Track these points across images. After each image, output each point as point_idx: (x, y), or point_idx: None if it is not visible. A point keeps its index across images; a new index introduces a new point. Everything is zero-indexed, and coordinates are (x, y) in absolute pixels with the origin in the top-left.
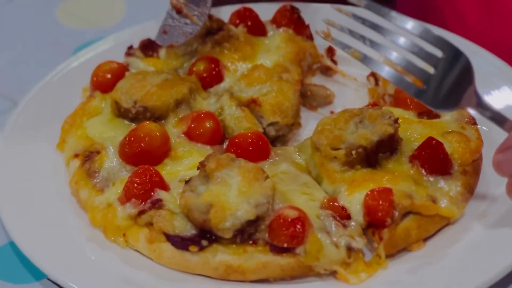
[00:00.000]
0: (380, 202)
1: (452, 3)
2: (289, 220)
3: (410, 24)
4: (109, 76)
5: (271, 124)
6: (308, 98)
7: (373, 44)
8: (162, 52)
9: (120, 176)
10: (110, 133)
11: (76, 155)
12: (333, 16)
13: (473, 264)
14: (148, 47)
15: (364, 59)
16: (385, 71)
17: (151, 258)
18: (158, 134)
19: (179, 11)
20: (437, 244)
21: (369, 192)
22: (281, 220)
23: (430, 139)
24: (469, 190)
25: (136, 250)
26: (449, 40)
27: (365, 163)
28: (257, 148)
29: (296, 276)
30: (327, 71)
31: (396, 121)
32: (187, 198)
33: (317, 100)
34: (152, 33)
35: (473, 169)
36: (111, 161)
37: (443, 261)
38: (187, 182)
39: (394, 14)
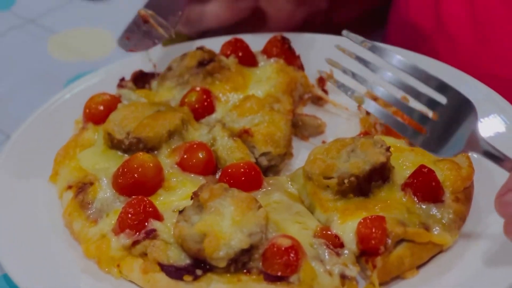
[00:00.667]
0: (373, 230)
1: (443, 31)
2: (283, 248)
3: (414, 68)
4: (101, 108)
5: (263, 154)
6: (300, 128)
7: (374, 88)
8: (154, 84)
9: (114, 207)
10: (103, 165)
11: (69, 187)
12: (325, 47)
13: None
14: (140, 79)
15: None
16: (388, 119)
17: None
18: (151, 165)
19: (145, 21)
20: (430, 271)
21: (362, 220)
22: (275, 249)
23: (422, 167)
24: (461, 217)
25: (131, 281)
26: (453, 87)
27: (357, 192)
28: (250, 178)
29: None
30: (318, 101)
31: (388, 149)
32: (181, 228)
33: (309, 130)
34: (143, 66)
35: (465, 197)
36: (104, 192)
37: None
38: (181, 212)
39: (397, 57)
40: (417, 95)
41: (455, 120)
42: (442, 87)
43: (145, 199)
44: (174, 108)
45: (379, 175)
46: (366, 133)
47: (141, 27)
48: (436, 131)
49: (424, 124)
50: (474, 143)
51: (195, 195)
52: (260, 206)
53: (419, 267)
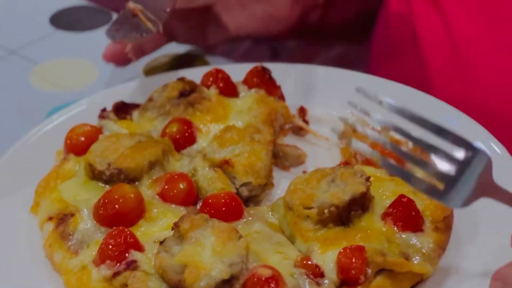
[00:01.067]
0: (353, 260)
1: (418, 52)
2: (263, 279)
3: (429, 124)
4: (82, 139)
5: (244, 184)
6: (281, 158)
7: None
8: (135, 115)
9: (95, 238)
10: (84, 196)
11: (50, 218)
12: (306, 77)
13: None
14: (122, 110)
15: (384, 163)
16: (405, 176)
17: None
18: (132, 195)
19: (134, 15)
20: None
21: (342, 250)
22: (255, 279)
23: (401, 196)
24: (441, 247)
25: None
26: (468, 139)
27: (337, 221)
28: (230, 208)
29: None
30: (299, 131)
31: (367, 179)
32: (162, 259)
33: (290, 160)
34: (124, 96)
35: (445, 226)
36: (85, 223)
37: None
38: (161, 243)
39: (413, 113)
40: (436, 151)
41: (472, 173)
42: (458, 140)
43: (126, 230)
44: (155, 139)
45: (359, 204)
46: (346, 163)
47: (129, 20)
48: (454, 186)
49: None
50: (490, 189)
51: (175, 226)
52: (240, 236)
53: None
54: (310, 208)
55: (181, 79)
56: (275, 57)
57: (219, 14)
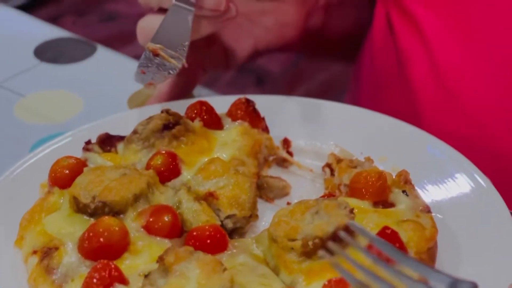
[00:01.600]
0: None
1: (404, 82)
2: None
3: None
4: (67, 171)
5: (228, 217)
6: (265, 190)
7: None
8: (120, 147)
9: (80, 271)
10: (69, 229)
11: (35, 252)
12: (290, 109)
13: None
14: (106, 142)
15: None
16: None
17: None
18: (117, 228)
19: (156, 55)
20: None
21: (326, 283)
22: None
23: (385, 228)
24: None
25: None
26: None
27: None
28: (215, 241)
29: None
30: (283, 163)
31: (351, 211)
32: None
33: (274, 191)
34: (109, 128)
35: (429, 257)
36: (70, 256)
37: None
38: (146, 276)
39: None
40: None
41: None
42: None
43: (111, 263)
44: (139, 172)
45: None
46: (330, 195)
47: (153, 60)
48: None
49: None
50: None
51: (160, 259)
52: (225, 269)
53: None
54: (294, 240)
55: (166, 111)
56: (260, 85)
57: (226, 39)
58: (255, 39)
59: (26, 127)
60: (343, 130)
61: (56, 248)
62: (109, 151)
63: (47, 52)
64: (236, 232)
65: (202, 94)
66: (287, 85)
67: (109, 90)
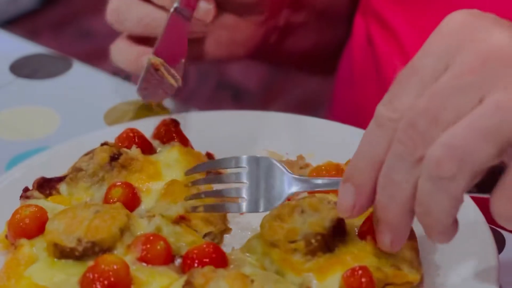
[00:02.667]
0: (362, 280)
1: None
2: None
3: None
4: (30, 221)
5: (206, 235)
6: None
7: None
8: (63, 188)
9: None
10: (60, 277)
11: None
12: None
13: None
14: (45, 186)
15: None
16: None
17: None
18: (119, 265)
19: (156, 69)
20: None
21: (346, 274)
22: None
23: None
24: (417, 252)
25: None
26: None
27: (325, 249)
28: (217, 257)
29: None
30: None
31: (335, 204)
32: None
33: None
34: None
35: (412, 233)
36: None
37: None
38: None
39: None
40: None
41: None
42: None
43: None
44: (111, 206)
45: (340, 228)
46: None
47: (154, 75)
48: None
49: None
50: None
51: (188, 283)
52: (252, 281)
53: None
54: (295, 241)
55: (105, 144)
56: (237, 100)
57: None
58: (203, 50)
59: (3, 143)
60: (268, 136)
61: None
62: (49, 194)
63: (23, 68)
64: None
65: (179, 110)
66: (264, 100)
67: (86, 106)
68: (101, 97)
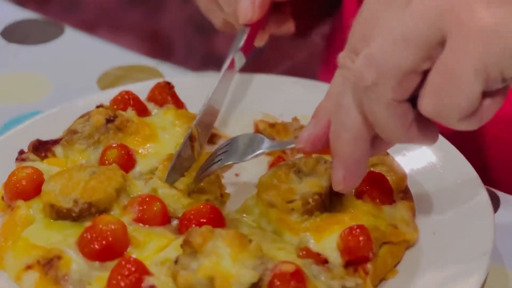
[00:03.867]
0: (360, 239)
1: None
2: (289, 274)
3: None
4: (27, 182)
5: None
6: None
7: None
8: (58, 150)
9: (93, 275)
10: (57, 237)
11: (29, 267)
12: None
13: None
14: (40, 149)
15: None
16: None
17: None
18: (117, 225)
19: (193, 140)
20: (407, 269)
21: (344, 233)
22: (282, 276)
23: (371, 173)
24: (413, 213)
25: None
26: None
27: (322, 209)
28: (215, 218)
29: None
30: (212, 139)
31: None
32: (187, 277)
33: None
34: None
35: (410, 195)
36: (76, 262)
37: (419, 282)
38: (176, 262)
39: None
40: None
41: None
42: None
43: (131, 258)
44: (107, 167)
45: None
46: (280, 159)
47: (187, 148)
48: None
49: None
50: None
51: (186, 243)
52: (250, 240)
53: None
54: (293, 201)
55: (100, 106)
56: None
57: None
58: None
59: None
60: (263, 99)
61: (59, 257)
62: (45, 156)
63: (15, 33)
64: None
65: (174, 73)
66: (257, 65)
67: (79, 71)
68: (94, 63)
